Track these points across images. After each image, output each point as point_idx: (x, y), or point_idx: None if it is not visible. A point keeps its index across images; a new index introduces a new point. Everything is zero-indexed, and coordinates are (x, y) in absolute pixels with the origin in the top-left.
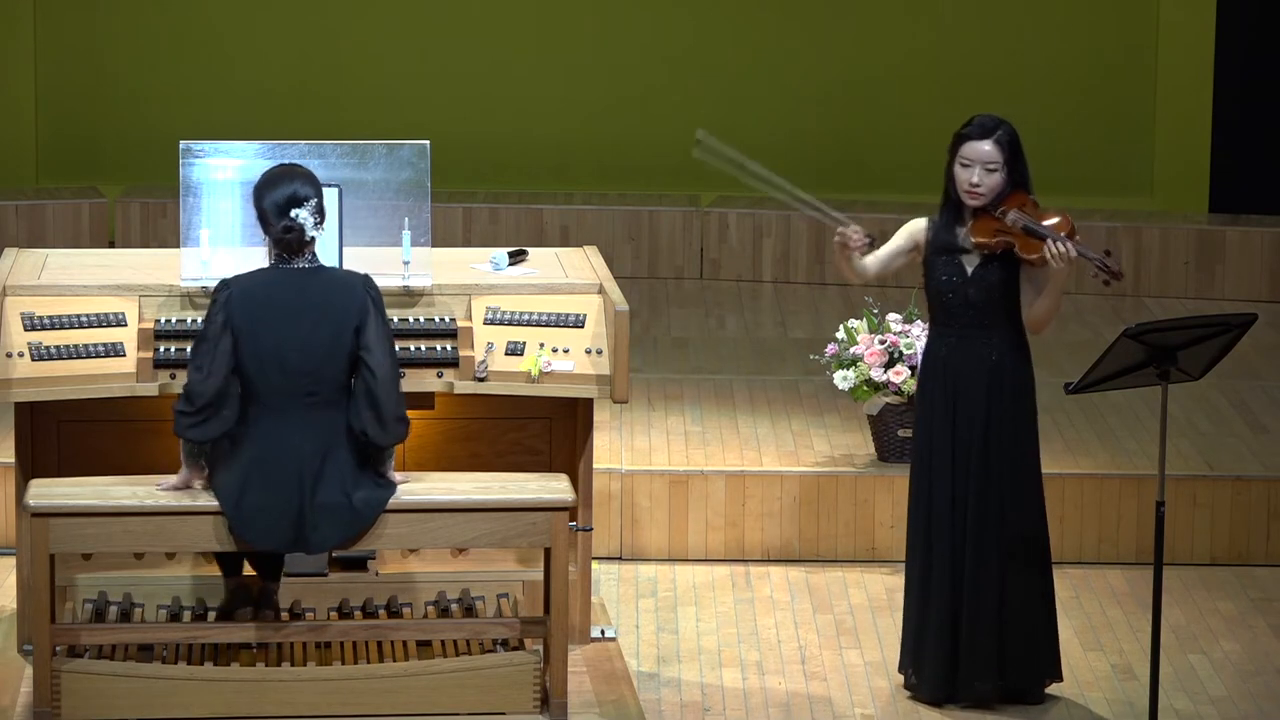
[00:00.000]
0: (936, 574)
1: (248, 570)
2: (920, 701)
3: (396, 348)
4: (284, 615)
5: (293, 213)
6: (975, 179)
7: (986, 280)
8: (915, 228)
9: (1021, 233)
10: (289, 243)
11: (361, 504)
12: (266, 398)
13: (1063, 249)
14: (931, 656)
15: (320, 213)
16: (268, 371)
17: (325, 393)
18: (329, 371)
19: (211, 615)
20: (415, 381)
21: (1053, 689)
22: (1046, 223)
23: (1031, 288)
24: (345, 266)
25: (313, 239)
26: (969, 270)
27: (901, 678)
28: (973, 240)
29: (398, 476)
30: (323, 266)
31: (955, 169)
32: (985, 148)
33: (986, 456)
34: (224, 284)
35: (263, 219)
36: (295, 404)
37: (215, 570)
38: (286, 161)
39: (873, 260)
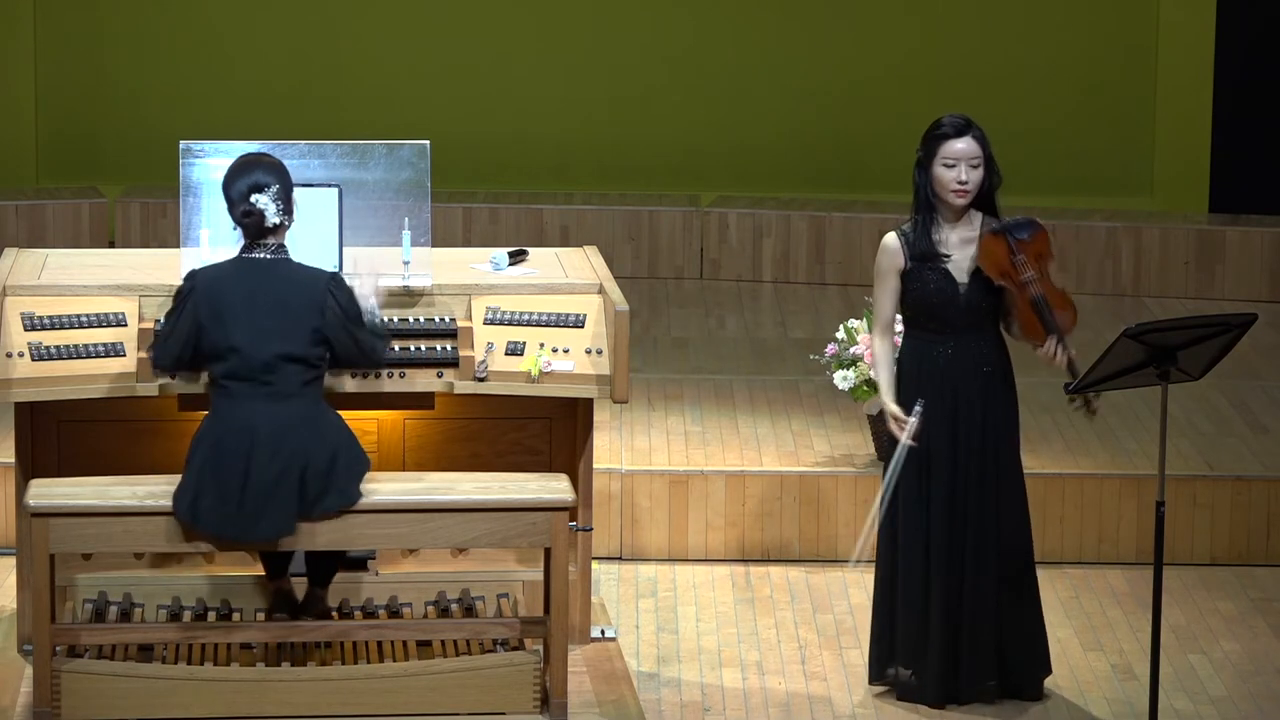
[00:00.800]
0: (936, 578)
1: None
2: (920, 703)
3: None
4: (284, 615)
5: (253, 198)
6: (963, 176)
7: (985, 287)
8: (889, 252)
9: (1030, 306)
10: (249, 228)
11: (305, 503)
12: (229, 386)
13: (1058, 356)
14: (934, 659)
15: (284, 200)
16: (228, 361)
17: (282, 384)
18: (286, 364)
19: (212, 615)
20: (415, 381)
21: (1049, 685)
22: (1060, 313)
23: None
24: (344, 268)
25: (276, 226)
26: (961, 278)
27: (880, 684)
28: (979, 262)
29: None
30: (287, 259)
31: (936, 170)
32: (966, 145)
33: (984, 461)
34: (189, 276)
35: (228, 206)
36: (255, 393)
37: (215, 570)
38: (254, 151)
39: (892, 318)
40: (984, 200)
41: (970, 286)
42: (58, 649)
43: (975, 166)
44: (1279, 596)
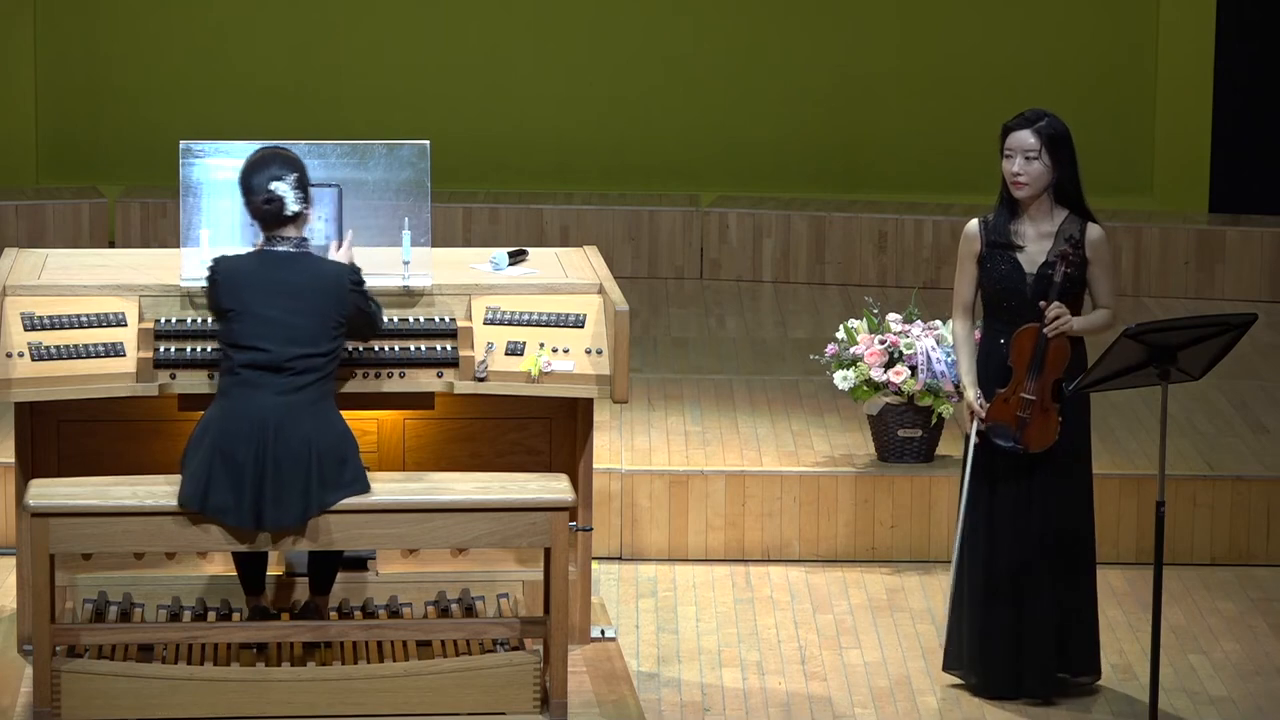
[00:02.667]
0: (1002, 577)
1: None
2: (985, 698)
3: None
4: (284, 615)
5: (271, 185)
6: (1016, 168)
7: (1050, 282)
8: (968, 237)
9: (1036, 394)
10: (270, 215)
11: (323, 487)
12: (247, 376)
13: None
14: (995, 656)
15: (302, 188)
16: (252, 353)
17: (299, 377)
18: (307, 359)
19: (212, 615)
20: (415, 381)
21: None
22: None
23: (1092, 286)
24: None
25: (296, 215)
26: (1031, 270)
27: (951, 673)
28: (991, 422)
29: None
30: (308, 253)
31: (1002, 160)
32: (1025, 136)
33: (1046, 457)
34: (213, 264)
35: (246, 199)
36: (271, 384)
37: (215, 570)
38: (268, 146)
39: (970, 302)
40: (1067, 197)
41: (1038, 279)
42: (58, 649)
43: (1031, 159)
44: (1279, 596)
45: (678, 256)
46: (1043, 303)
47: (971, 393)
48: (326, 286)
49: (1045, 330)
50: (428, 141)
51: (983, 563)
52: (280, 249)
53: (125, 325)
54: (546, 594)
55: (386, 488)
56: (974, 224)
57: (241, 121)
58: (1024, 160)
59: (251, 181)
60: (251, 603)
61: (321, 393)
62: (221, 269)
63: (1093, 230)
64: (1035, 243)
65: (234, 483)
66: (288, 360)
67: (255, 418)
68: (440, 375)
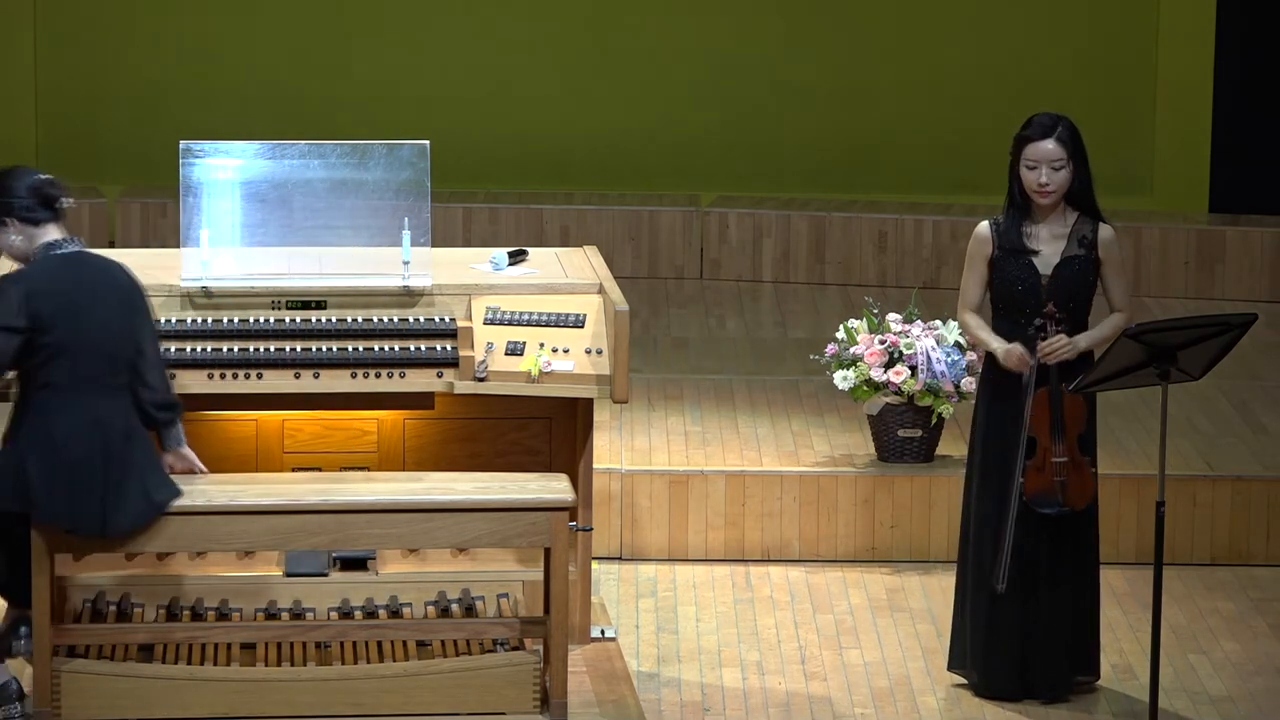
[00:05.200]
0: (1010, 575)
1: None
2: (990, 699)
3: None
4: (284, 615)
5: (40, 174)
6: (1044, 179)
7: (1067, 283)
8: (980, 240)
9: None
10: (55, 197)
11: (155, 492)
12: (69, 382)
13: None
14: (1000, 658)
15: None
16: (75, 357)
17: (120, 377)
18: (124, 353)
19: (212, 615)
20: (415, 381)
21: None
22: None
23: (1106, 287)
24: (334, 269)
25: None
26: (1045, 271)
27: (956, 673)
28: (1032, 495)
29: (191, 455)
30: (86, 250)
31: (1021, 171)
32: (1048, 146)
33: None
34: (17, 279)
35: (27, 199)
36: (94, 388)
37: (215, 570)
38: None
39: (977, 303)
40: (1079, 198)
41: (1053, 281)
42: (58, 649)
43: (1058, 168)
44: (1279, 596)
45: (678, 256)
46: (1040, 344)
47: (999, 345)
48: (123, 279)
49: (1043, 360)
50: (428, 141)
51: (990, 560)
52: (71, 249)
53: None
54: (546, 594)
55: (386, 488)
56: (985, 226)
57: (241, 122)
58: (1050, 170)
59: (26, 182)
60: (16, 614)
61: (132, 396)
62: (32, 280)
63: (1104, 231)
64: (1049, 244)
65: (78, 494)
66: (110, 361)
67: (92, 428)
68: (440, 375)
